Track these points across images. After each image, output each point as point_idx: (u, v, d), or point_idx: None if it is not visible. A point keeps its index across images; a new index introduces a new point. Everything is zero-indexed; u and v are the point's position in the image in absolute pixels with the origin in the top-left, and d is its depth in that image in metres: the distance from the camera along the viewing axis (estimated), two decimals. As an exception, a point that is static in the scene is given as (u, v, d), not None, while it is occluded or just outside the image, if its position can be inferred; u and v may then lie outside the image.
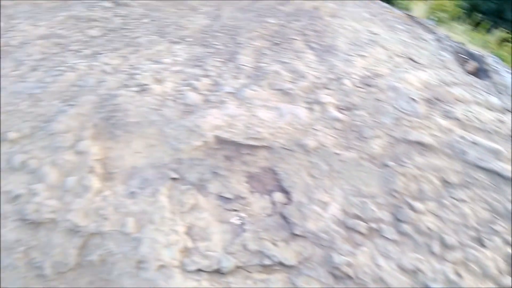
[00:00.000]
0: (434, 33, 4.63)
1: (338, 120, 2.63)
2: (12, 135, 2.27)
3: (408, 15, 5.24)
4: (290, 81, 2.99)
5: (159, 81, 2.86)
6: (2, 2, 3.92)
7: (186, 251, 1.85)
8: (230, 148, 2.36)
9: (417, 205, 2.15)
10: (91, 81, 2.74)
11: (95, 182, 2.06)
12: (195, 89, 2.82)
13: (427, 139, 2.56)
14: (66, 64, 2.91)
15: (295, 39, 3.68)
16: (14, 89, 2.61)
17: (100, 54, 3.14)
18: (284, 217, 2.04)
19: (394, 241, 1.98)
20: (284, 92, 2.86)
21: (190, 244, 1.87)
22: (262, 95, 2.81)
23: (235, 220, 2.04)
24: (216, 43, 3.57)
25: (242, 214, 2.06)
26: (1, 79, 2.69)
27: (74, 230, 1.85)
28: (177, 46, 3.46)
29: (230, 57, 3.33)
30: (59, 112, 2.45)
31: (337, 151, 2.39)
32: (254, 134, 2.43)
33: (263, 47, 3.55)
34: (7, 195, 1.96)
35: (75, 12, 3.80)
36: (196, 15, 4.07)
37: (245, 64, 3.22)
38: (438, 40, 4.38)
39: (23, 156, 2.15)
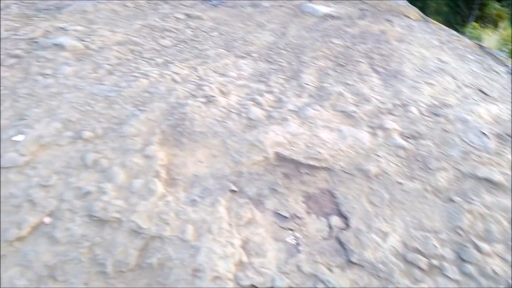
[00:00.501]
0: (506, 65, 4.40)
1: (402, 148, 2.56)
2: (87, 134, 2.42)
3: (479, 45, 5.02)
4: (353, 104, 2.96)
5: (224, 93, 2.94)
6: (85, 7, 4.23)
7: (241, 265, 1.86)
8: (289, 166, 2.37)
9: (484, 246, 2.03)
10: (162, 89, 2.87)
11: (159, 187, 2.14)
12: (258, 104, 2.86)
13: (497, 177, 2.42)
14: (140, 71, 3.08)
15: (360, 62, 3.64)
16: (92, 91, 2.79)
17: (171, 63, 3.29)
18: (340, 243, 2.00)
19: (456, 281, 1.88)
20: (347, 115, 2.83)
21: (245, 258, 1.89)
22: (325, 115, 2.80)
23: (290, 239, 2.03)
24: (281, 60, 3.62)
25: (298, 234, 2.05)
26: (80, 80, 2.89)
27: (136, 232, 1.93)
28: (243, 61, 3.54)
29: (293, 75, 3.36)
30: (131, 116, 2.58)
31: (400, 180, 2.32)
32: (315, 154, 2.42)
33: (327, 67, 3.54)
34: (78, 191, 2.08)
35: (150, 21, 4.02)
36: (263, 31, 4.16)
37: (308, 83, 3.23)
38: (510, 73, 4.15)
39: (95, 155, 2.29)
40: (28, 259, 1.79)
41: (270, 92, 3.04)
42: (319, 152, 2.43)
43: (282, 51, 3.80)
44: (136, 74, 3.02)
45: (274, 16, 4.54)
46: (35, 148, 2.30)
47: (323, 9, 4.70)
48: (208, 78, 3.13)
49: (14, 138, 2.33)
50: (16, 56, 3.07)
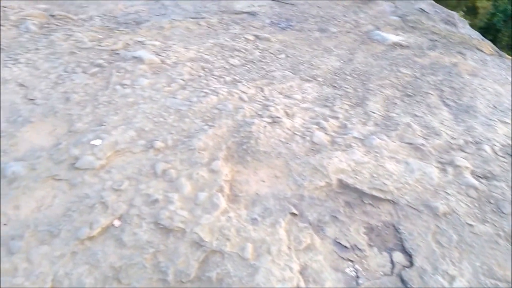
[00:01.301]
0: None
1: (473, 187, 2.43)
2: (158, 144, 2.53)
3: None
4: (422, 137, 2.87)
5: (289, 115, 2.97)
6: (162, 24, 4.49)
7: (298, 290, 1.84)
8: (352, 194, 2.33)
9: None
10: (229, 107, 2.96)
11: (222, 202, 2.18)
12: (323, 128, 2.86)
13: None
14: (210, 87, 3.19)
15: (430, 94, 3.54)
16: (165, 103, 2.94)
17: (239, 82, 3.39)
18: (403, 280, 1.92)
19: None
20: (415, 147, 2.75)
21: (302, 284, 1.86)
22: (391, 146, 2.74)
23: (349, 271, 1.98)
24: (346, 86, 3.60)
25: (358, 267, 1.99)
26: (155, 92, 3.05)
27: (198, 244, 1.97)
28: (308, 84, 3.57)
29: (359, 102, 3.33)
30: (199, 130, 2.68)
31: (470, 222, 2.19)
32: (380, 185, 2.36)
33: (395, 96, 3.47)
34: (147, 198, 2.18)
35: (221, 40, 4.18)
36: (329, 56, 4.17)
37: (374, 111, 3.18)
38: None
39: (165, 165, 2.39)
40: (97, 259, 1.88)
41: (335, 118, 3.03)
42: (385, 184, 2.37)
43: (348, 77, 3.78)
44: (206, 91, 3.14)
45: (342, 42, 4.55)
46: (111, 153, 2.44)
47: (392, 37, 4.64)
48: (273, 99, 3.19)
49: (92, 142, 2.49)
50: (99, 66, 3.31)
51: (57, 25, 4.09)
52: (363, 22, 5.13)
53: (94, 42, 3.72)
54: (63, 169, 2.31)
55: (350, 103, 3.29)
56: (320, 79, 3.70)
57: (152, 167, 2.38)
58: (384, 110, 3.23)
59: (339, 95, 3.43)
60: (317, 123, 2.91)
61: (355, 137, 2.79)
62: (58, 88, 2.97)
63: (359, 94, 3.47)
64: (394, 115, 3.15)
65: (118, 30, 4.20)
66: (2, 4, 4.40)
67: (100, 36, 3.90)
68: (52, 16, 4.32)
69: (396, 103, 3.36)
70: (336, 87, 3.58)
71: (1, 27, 3.79)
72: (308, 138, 2.72)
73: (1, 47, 3.43)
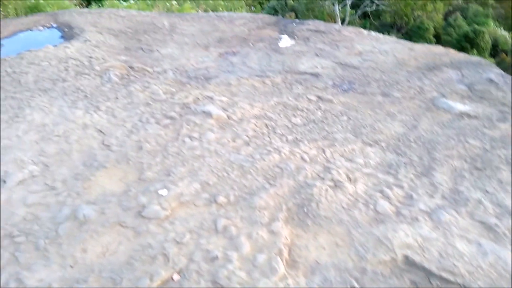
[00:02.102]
0: None
1: (558, 280, 2.19)
2: (221, 199, 2.58)
3: None
4: (495, 216, 2.68)
5: (351, 180, 2.92)
6: (229, 80, 4.72)
7: None
8: (419, 273, 2.19)
9: None
10: (291, 166, 2.98)
11: (281, 266, 2.14)
12: (386, 197, 2.77)
13: None
14: (273, 146, 3.25)
15: (502, 169, 3.34)
16: (229, 158, 3.02)
17: (301, 141, 3.42)
18: None
19: None
20: (487, 227, 2.57)
21: None
22: (461, 223, 2.58)
23: None
24: (411, 153, 3.51)
25: None
26: (220, 147, 3.16)
27: (255, 308, 1.92)
28: (370, 149, 3.52)
29: (424, 172, 3.22)
30: (261, 188, 2.70)
31: (556, 321, 1.96)
32: (449, 267, 2.21)
33: (463, 168, 3.32)
34: (207, 254, 2.19)
35: (284, 99, 4.30)
36: (392, 121, 4.12)
37: (441, 183, 3.05)
38: None
39: (226, 221, 2.41)
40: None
41: (399, 187, 2.94)
42: (455, 265, 2.21)
43: (413, 144, 3.70)
44: (269, 148, 3.20)
45: (405, 107, 4.50)
46: (175, 204, 2.52)
47: (459, 106, 4.52)
48: (335, 162, 3.17)
49: (160, 192, 2.59)
50: (171, 118, 3.51)
51: (135, 76, 4.45)
52: (428, 89, 5.07)
53: (168, 95, 3.97)
54: (130, 216, 2.41)
55: (415, 172, 3.19)
56: (383, 144, 3.65)
57: (213, 222, 2.41)
58: (452, 182, 3.09)
59: (403, 162, 3.34)
60: (381, 191, 2.84)
61: (421, 210, 2.67)
62: (132, 137, 3.17)
63: (424, 163, 3.36)
64: (463, 189, 3.00)
65: (189, 84, 4.48)
66: (89, 54, 4.89)
67: (173, 89, 4.17)
68: (131, 68, 4.71)
69: (464, 176, 3.20)
70: (400, 153, 3.50)
71: (87, 76, 4.19)
72: (371, 206, 2.65)
73: (86, 94, 3.76)
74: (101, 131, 3.22)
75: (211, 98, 4.02)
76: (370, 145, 3.61)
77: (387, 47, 6.47)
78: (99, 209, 2.44)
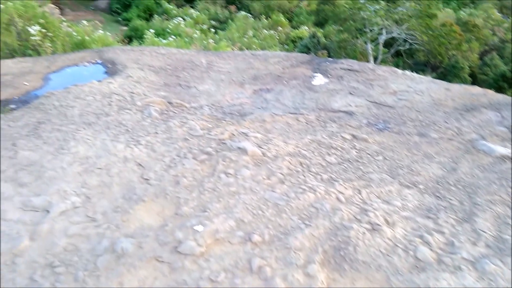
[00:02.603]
0: None
1: None
2: (256, 237, 2.57)
3: None
4: (545, 268, 2.52)
5: (389, 224, 2.84)
6: (264, 117, 4.79)
7: None
8: (464, 327, 2.07)
9: None
10: (327, 206, 2.94)
11: (317, 312, 2.08)
12: (427, 243, 2.67)
13: None
14: (307, 184, 3.24)
15: (550, 217, 3.17)
16: (264, 196, 3.02)
17: (336, 181, 3.39)
18: None
19: None
20: (538, 280, 2.41)
21: None
22: (507, 274, 2.44)
23: None
24: (450, 197, 3.40)
25: None
26: (255, 184, 3.17)
27: None
28: (408, 191, 3.44)
29: (466, 217, 3.09)
30: (296, 228, 2.68)
31: None
32: (498, 322, 2.07)
33: (506, 215, 3.17)
34: (242, 294, 2.16)
35: (318, 137, 4.31)
36: (430, 163, 4.03)
37: (484, 230, 2.92)
38: None
39: (260, 261, 2.39)
40: None
41: (440, 232, 2.83)
42: (504, 321, 2.08)
43: (452, 188, 3.58)
44: (304, 187, 3.18)
45: (443, 149, 4.40)
46: (211, 241, 2.52)
47: (500, 149, 4.38)
48: (372, 204, 3.10)
49: (195, 228, 2.61)
50: (207, 153, 3.58)
51: (174, 112, 4.60)
52: (467, 130, 4.95)
53: (205, 131, 4.07)
54: (166, 251, 2.43)
55: (456, 217, 3.07)
56: (421, 186, 3.56)
57: (248, 261, 2.39)
58: (495, 230, 2.95)
59: (443, 206, 3.24)
60: (421, 236, 2.74)
61: (464, 258, 2.55)
62: (170, 171, 3.24)
63: (465, 208, 3.24)
64: (508, 237, 2.85)
65: (225, 120, 4.58)
66: (131, 90, 5.12)
67: (209, 125, 4.27)
68: (170, 103, 4.88)
69: (509, 223, 3.05)
70: (439, 197, 3.39)
71: (129, 111, 4.37)
72: (411, 252, 2.56)
73: (127, 129, 3.91)
74: (140, 165, 3.32)
75: (246, 134, 4.09)
76: (408, 187, 3.52)
77: (422, 87, 6.42)
78: (137, 243, 2.48)
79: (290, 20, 20.68)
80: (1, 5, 9.03)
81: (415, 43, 14.92)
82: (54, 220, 2.68)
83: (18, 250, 2.44)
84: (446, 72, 15.77)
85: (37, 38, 8.34)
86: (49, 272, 2.29)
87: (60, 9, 16.08)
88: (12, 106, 4.96)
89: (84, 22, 13.06)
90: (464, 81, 14.19)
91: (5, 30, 8.31)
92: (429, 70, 16.85)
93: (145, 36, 12.86)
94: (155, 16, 18.33)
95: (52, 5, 13.92)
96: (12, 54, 8.00)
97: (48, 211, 2.76)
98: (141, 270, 2.31)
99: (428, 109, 5.54)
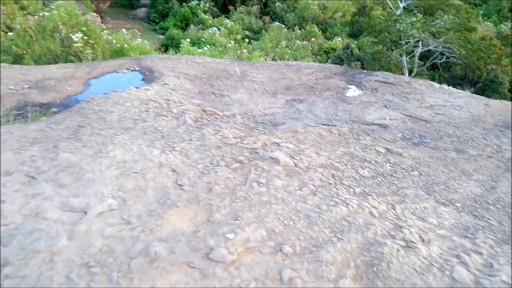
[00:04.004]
0: None
1: None
2: (287, 248, 2.56)
3: None
4: None
5: (425, 241, 2.76)
6: (296, 128, 4.78)
7: None
8: None
9: None
10: (360, 221, 2.90)
11: (348, 328, 2.04)
12: (464, 264, 2.58)
13: None
14: (340, 197, 3.20)
15: None
16: (295, 207, 3.01)
17: (369, 195, 3.34)
18: None
19: None
20: None
21: None
22: (552, 302, 2.31)
23: None
24: (489, 217, 3.27)
25: None
26: (287, 194, 3.16)
27: None
28: (444, 208, 3.33)
29: (506, 238, 2.97)
30: (328, 241, 2.64)
31: None
32: None
33: (551, 239, 3.01)
34: (272, 304, 2.15)
35: (351, 150, 4.26)
36: (468, 180, 3.90)
37: (526, 253, 2.78)
38: None
39: (291, 272, 2.37)
40: None
41: (478, 253, 2.72)
42: None
43: (491, 207, 3.45)
44: (336, 200, 3.15)
45: (482, 166, 4.25)
46: (242, 249, 2.53)
47: (544, 168, 4.18)
48: (406, 220, 3.03)
49: (227, 235, 2.63)
50: (240, 162, 3.61)
51: (208, 120, 4.68)
52: (507, 148, 4.77)
53: (237, 139, 4.11)
54: (198, 258, 2.45)
55: (495, 238, 2.95)
56: (458, 204, 3.44)
57: (278, 272, 2.38)
58: (539, 253, 2.81)
59: (481, 226, 3.12)
60: (457, 256, 2.65)
61: (504, 281, 2.44)
62: (203, 178, 3.29)
63: (505, 229, 3.11)
64: (553, 262, 2.71)
65: (257, 129, 4.61)
66: (167, 97, 5.24)
67: (242, 134, 4.31)
68: (204, 111, 4.96)
69: (553, 247, 2.90)
70: (477, 216, 3.27)
71: (165, 118, 4.48)
72: (447, 272, 2.47)
73: (163, 135, 4.01)
74: (175, 171, 3.39)
75: (278, 144, 4.09)
76: (444, 204, 3.42)
77: (460, 102, 6.25)
78: (170, 247, 2.52)
79: (323, 31, 20.64)
80: (47, 13, 9.51)
81: (453, 57, 14.52)
82: (91, 221, 2.77)
83: (57, 249, 2.52)
84: (485, 87, 15.24)
85: (79, 45, 8.71)
86: (85, 272, 2.36)
87: (101, 17, 16.74)
88: (54, 109, 5.19)
89: (124, 30, 13.54)
90: (503, 97, 13.65)
91: (49, 37, 8.74)
92: (466, 85, 16.35)
93: (181, 45, 13.17)
94: (191, 25, 18.75)
95: (94, 14, 14.53)
96: (55, 59, 8.39)
97: (85, 212, 2.85)
98: (173, 274, 2.34)
99: (466, 125, 5.38)
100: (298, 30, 19.53)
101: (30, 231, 2.63)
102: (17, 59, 8.06)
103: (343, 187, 3.43)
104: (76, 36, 8.75)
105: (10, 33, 9.20)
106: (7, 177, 3.20)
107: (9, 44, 8.49)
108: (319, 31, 19.80)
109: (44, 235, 2.62)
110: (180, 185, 3.19)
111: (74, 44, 8.70)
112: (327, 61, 16.02)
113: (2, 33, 9.25)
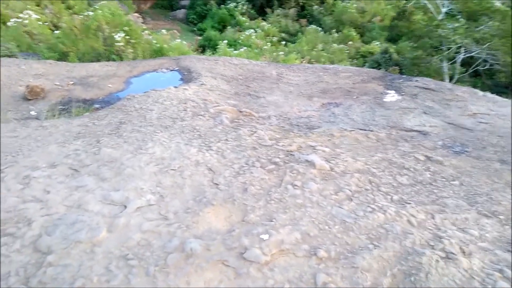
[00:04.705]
0: None
1: None
2: (321, 253, 2.53)
3: None
4: None
5: (465, 253, 2.66)
6: (332, 131, 4.73)
7: None
8: None
9: None
10: (397, 229, 2.83)
11: (384, 337, 1.99)
12: (507, 278, 2.46)
13: None
14: (377, 204, 3.14)
15: None
16: (331, 211, 2.98)
17: (407, 203, 3.25)
18: None
19: None
20: None
21: None
22: None
23: None
24: (536, 232, 3.11)
25: None
26: (322, 198, 3.13)
27: None
28: (487, 220, 3.20)
29: (554, 256, 2.80)
30: (364, 248, 2.60)
31: None
32: None
33: None
34: (305, 308, 2.14)
35: (389, 156, 4.16)
36: (513, 192, 3.72)
37: None
38: None
39: (325, 277, 2.35)
40: None
41: (523, 269, 2.59)
42: None
43: (538, 222, 3.27)
44: (373, 206, 3.09)
45: (528, 179, 4.04)
46: (276, 251, 2.53)
47: None
48: (446, 230, 2.93)
49: (261, 236, 2.64)
50: (275, 163, 3.61)
51: (244, 121, 4.71)
52: (557, 160, 4.51)
53: (273, 141, 4.12)
54: (232, 256, 2.47)
55: (542, 255, 2.80)
56: (501, 216, 3.29)
57: (313, 276, 2.36)
58: None
59: (527, 241, 2.96)
60: (500, 271, 2.53)
61: (552, 301, 2.31)
62: (239, 178, 3.32)
63: (554, 246, 2.94)
64: None
65: (292, 132, 4.60)
66: (204, 97, 5.33)
67: (277, 136, 4.32)
68: (240, 112, 5.00)
69: None
70: (522, 230, 3.11)
71: (202, 117, 4.55)
72: (489, 286, 2.37)
73: (200, 134, 4.07)
74: (211, 170, 3.43)
75: (314, 147, 4.06)
76: (487, 216, 3.28)
77: (505, 111, 5.98)
78: (205, 245, 2.55)
79: (361, 35, 20.30)
80: (91, 13, 9.88)
81: (497, 64, 13.91)
82: (130, 215, 2.85)
83: (97, 240, 2.62)
84: (531, 96, 14.49)
85: (121, 44, 9.00)
86: (123, 264, 2.44)
87: (142, 18, 17.23)
88: (97, 105, 5.39)
89: (163, 31, 13.87)
90: (551, 107, 12.91)
91: (93, 36, 9.08)
92: (511, 93, 15.61)
93: (218, 46, 13.34)
94: (228, 27, 18.95)
95: (136, 14, 14.96)
96: (97, 58, 8.71)
97: (125, 206, 2.94)
98: (208, 272, 2.37)
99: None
100: (335, 34, 19.31)
101: (73, 222, 2.74)
102: (63, 57, 8.43)
103: (380, 194, 3.36)
104: (119, 36, 9.04)
105: (56, 31, 9.61)
106: (52, 169, 3.35)
107: (56, 42, 8.88)
108: (356, 34, 19.49)
109: (86, 226, 2.72)
110: (216, 184, 3.23)
111: (116, 43, 8.99)
112: (364, 65, 15.75)
113: (48, 31, 9.67)
